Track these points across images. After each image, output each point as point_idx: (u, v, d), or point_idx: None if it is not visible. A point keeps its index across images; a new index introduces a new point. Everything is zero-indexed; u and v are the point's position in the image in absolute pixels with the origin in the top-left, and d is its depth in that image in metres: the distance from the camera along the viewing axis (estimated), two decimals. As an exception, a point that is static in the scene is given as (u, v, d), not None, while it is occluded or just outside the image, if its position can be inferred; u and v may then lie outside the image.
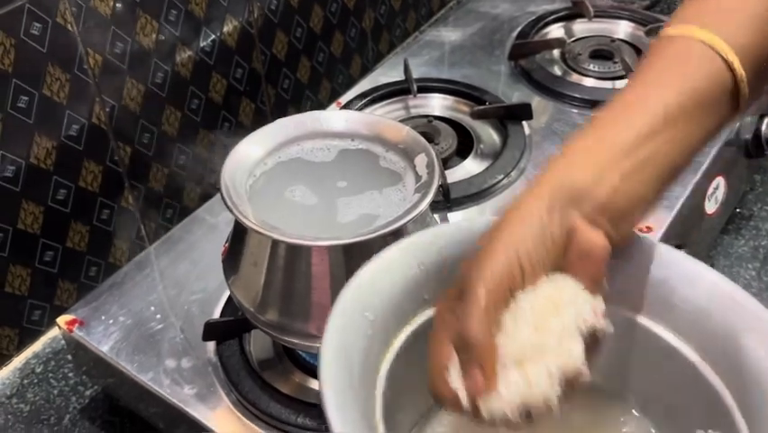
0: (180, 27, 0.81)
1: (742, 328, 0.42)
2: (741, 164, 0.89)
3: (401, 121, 0.84)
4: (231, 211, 0.54)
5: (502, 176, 0.78)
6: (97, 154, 0.77)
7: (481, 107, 0.87)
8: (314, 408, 0.60)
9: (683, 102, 0.44)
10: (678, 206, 0.74)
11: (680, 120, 0.44)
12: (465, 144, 0.84)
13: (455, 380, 0.41)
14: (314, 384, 0.64)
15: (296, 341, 0.58)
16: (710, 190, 0.81)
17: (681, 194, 0.75)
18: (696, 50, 0.45)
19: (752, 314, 0.43)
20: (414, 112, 0.90)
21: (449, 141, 0.83)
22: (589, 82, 0.92)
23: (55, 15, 0.68)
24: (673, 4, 1.18)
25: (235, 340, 0.65)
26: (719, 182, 0.82)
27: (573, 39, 1.00)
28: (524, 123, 0.85)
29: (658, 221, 0.72)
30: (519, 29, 1.00)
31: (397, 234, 0.55)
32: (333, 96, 1.03)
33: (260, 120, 0.93)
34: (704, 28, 0.45)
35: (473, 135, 0.85)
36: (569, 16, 1.03)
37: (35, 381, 0.75)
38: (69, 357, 0.75)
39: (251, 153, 0.59)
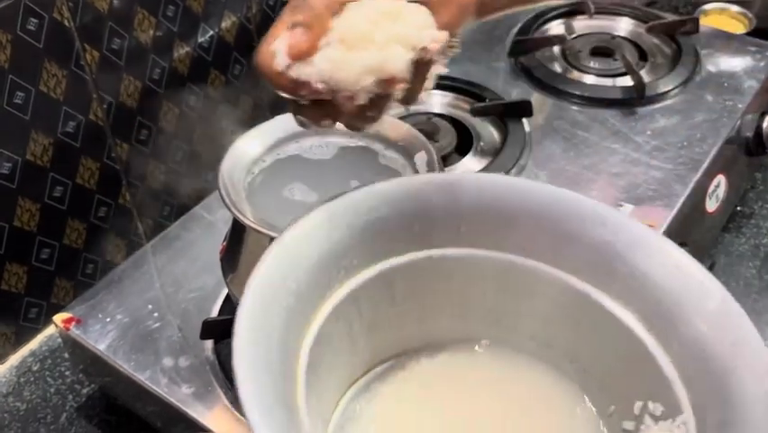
0: (178, 23, 0.80)
1: (686, 297, 0.41)
2: (742, 162, 0.88)
3: (400, 118, 0.83)
4: (229, 209, 0.54)
5: (502, 173, 0.78)
6: (94, 151, 0.76)
7: (481, 104, 0.87)
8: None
9: None
10: (679, 204, 0.74)
11: None
12: (465, 142, 0.84)
13: (280, 48, 0.40)
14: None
15: (294, 340, 0.58)
16: (711, 188, 0.81)
17: (681, 192, 0.75)
18: None
19: (697, 283, 0.41)
20: (413, 109, 0.89)
21: (448, 138, 0.83)
22: (589, 79, 0.92)
23: (52, 11, 0.68)
24: (674, 0, 1.17)
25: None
26: (720, 180, 0.82)
27: (574, 36, 0.99)
28: (524, 120, 0.84)
29: (659, 219, 0.72)
30: (519, 25, 1.00)
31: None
32: (332, 93, 1.03)
33: (259, 117, 0.92)
34: None
35: (473, 133, 0.85)
36: (569, 13, 1.03)
37: (32, 379, 0.75)
38: (66, 355, 0.75)
39: (249, 151, 0.58)
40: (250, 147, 0.59)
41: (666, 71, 0.91)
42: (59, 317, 0.69)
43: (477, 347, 0.49)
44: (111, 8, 0.73)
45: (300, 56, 0.39)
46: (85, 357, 0.69)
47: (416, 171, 0.57)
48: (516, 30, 1.00)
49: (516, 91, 0.90)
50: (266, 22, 0.91)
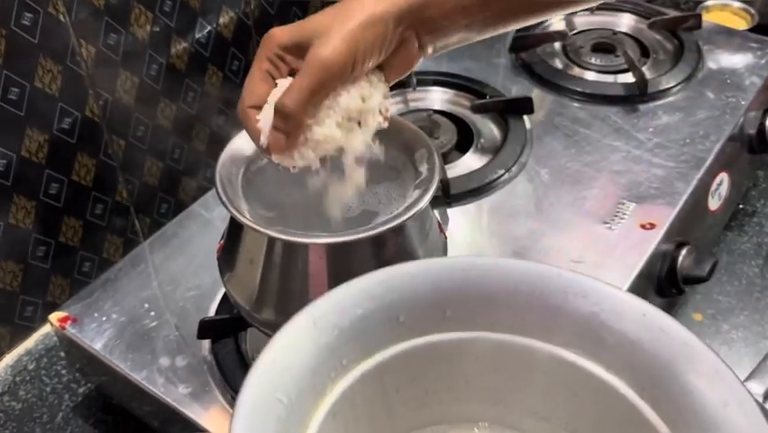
0: (175, 18, 0.79)
1: (672, 357, 0.42)
2: (744, 160, 0.88)
3: (400, 115, 0.83)
4: (226, 207, 0.53)
5: (503, 171, 0.77)
6: (91, 148, 0.76)
7: (482, 101, 0.86)
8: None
9: None
10: (681, 202, 0.73)
11: None
12: (465, 139, 0.83)
13: (263, 119, 0.50)
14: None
15: (292, 340, 0.57)
16: (713, 186, 0.80)
17: (683, 190, 0.74)
18: None
19: (680, 342, 0.42)
20: (413, 106, 0.89)
21: (449, 135, 0.82)
22: (590, 75, 0.91)
23: (47, 6, 0.67)
24: (676, -3, 1.17)
25: (231, 338, 0.64)
26: (723, 178, 0.81)
27: (575, 31, 0.98)
28: (525, 117, 0.83)
29: (661, 217, 0.72)
30: (520, 21, 0.99)
31: (396, 231, 0.54)
32: (331, 89, 1.02)
33: (257, 113, 0.91)
34: None
35: (473, 129, 0.84)
36: (570, 9, 1.02)
37: (27, 378, 0.74)
38: (62, 354, 0.74)
39: (246, 148, 0.57)
40: (247, 144, 0.58)
41: (668, 68, 0.90)
42: (54, 316, 0.68)
43: (476, 430, 0.50)
44: (107, 3, 0.72)
45: (279, 151, 0.50)
46: (81, 356, 0.68)
47: (417, 169, 0.56)
48: (516, 26, 0.99)
49: (516, 88, 0.89)
50: (264, 17, 0.90)
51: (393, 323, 0.45)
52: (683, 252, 0.73)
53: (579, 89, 0.88)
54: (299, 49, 0.49)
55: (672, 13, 0.97)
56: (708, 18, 1.02)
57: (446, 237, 0.61)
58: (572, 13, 1.02)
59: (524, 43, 0.94)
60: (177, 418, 0.62)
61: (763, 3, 1.09)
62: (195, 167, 0.88)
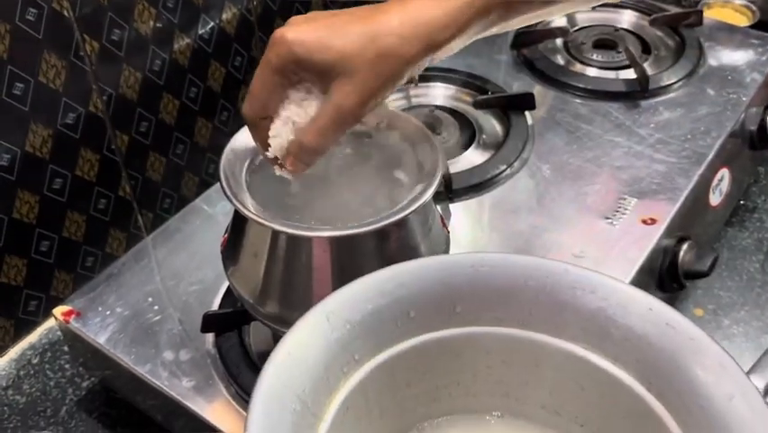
0: (179, 14, 0.79)
1: (678, 351, 0.42)
2: (745, 156, 0.88)
3: (403, 111, 0.83)
4: (230, 201, 0.53)
5: (505, 166, 0.77)
6: (94, 143, 0.76)
7: (484, 97, 0.86)
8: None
9: None
10: (682, 198, 0.73)
11: None
12: (467, 134, 0.83)
13: (276, 137, 0.52)
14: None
15: (296, 333, 0.57)
16: (714, 182, 0.80)
17: (685, 186, 0.74)
18: None
19: (686, 336, 0.43)
20: (415, 102, 0.89)
21: (451, 131, 0.82)
22: (592, 72, 0.91)
23: (51, 1, 0.67)
24: (677, -6, 1.17)
25: (234, 332, 0.65)
26: (724, 174, 0.82)
27: (576, 28, 0.99)
28: (526, 113, 0.84)
29: (662, 213, 0.72)
30: (522, 18, 0.99)
31: (400, 225, 0.54)
32: (333, 86, 1.02)
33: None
34: None
35: (475, 125, 0.84)
36: (572, 5, 1.02)
37: (31, 372, 0.75)
38: (66, 349, 0.75)
39: (250, 142, 0.57)
40: (250, 139, 0.59)
41: (669, 64, 0.91)
42: (58, 310, 0.68)
43: (488, 417, 0.51)
44: (111, -1, 0.72)
45: (297, 173, 0.53)
46: (85, 350, 0.68)
47: (420, 164, 0.56)
48: (518, 22, 0.99)
49: (518, 83, 0.89)
50: (267, 13, 0.90)
51: (404, 318, 0.46)
52: (684, 247, 0.73)
53: (580, 85, 0.88)
54: (320, 74, 0.49)
55: (674, 10, 0.98)
56: (710, 15, 1.02)
57: (449, 232, 0.61)
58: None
59: (525, 40, 0.95)
60: (180, 411, 0.62)
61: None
62: (197, 162, 0.89)
